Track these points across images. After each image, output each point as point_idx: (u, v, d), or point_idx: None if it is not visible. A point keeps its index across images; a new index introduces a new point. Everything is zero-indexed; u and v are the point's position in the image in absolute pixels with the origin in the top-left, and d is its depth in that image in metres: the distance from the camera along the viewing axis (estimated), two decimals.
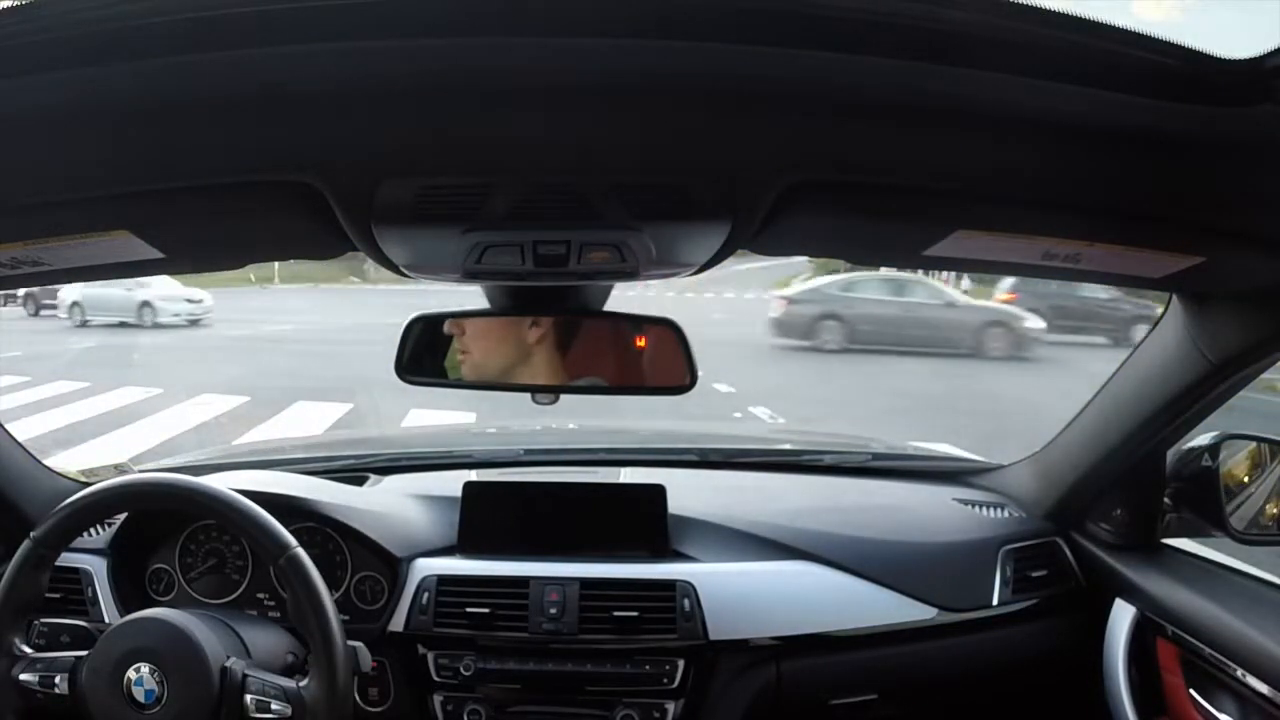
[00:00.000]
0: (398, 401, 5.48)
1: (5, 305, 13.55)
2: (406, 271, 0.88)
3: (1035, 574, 1.36)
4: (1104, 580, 1.31)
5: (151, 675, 0.97)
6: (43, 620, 1.09)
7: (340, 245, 0.77)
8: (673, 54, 0.50)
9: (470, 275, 0.87)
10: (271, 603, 1.32)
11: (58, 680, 1.00)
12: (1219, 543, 1.24)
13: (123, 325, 11.78)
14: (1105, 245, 0.73)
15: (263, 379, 7.67)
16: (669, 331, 1.10)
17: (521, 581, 1.28)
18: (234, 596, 1.33)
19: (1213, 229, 0.70)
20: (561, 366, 1.13)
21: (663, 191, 0.68)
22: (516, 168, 0.64)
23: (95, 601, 1.27)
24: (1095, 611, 1.31)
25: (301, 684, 1.00)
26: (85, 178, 0.62)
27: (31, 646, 1.04)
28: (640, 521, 1.38)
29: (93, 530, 1.31)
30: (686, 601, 1.26)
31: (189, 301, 12.38)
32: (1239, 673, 1.05)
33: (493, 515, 1.38)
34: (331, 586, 1.10)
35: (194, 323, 12.28)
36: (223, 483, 1.11)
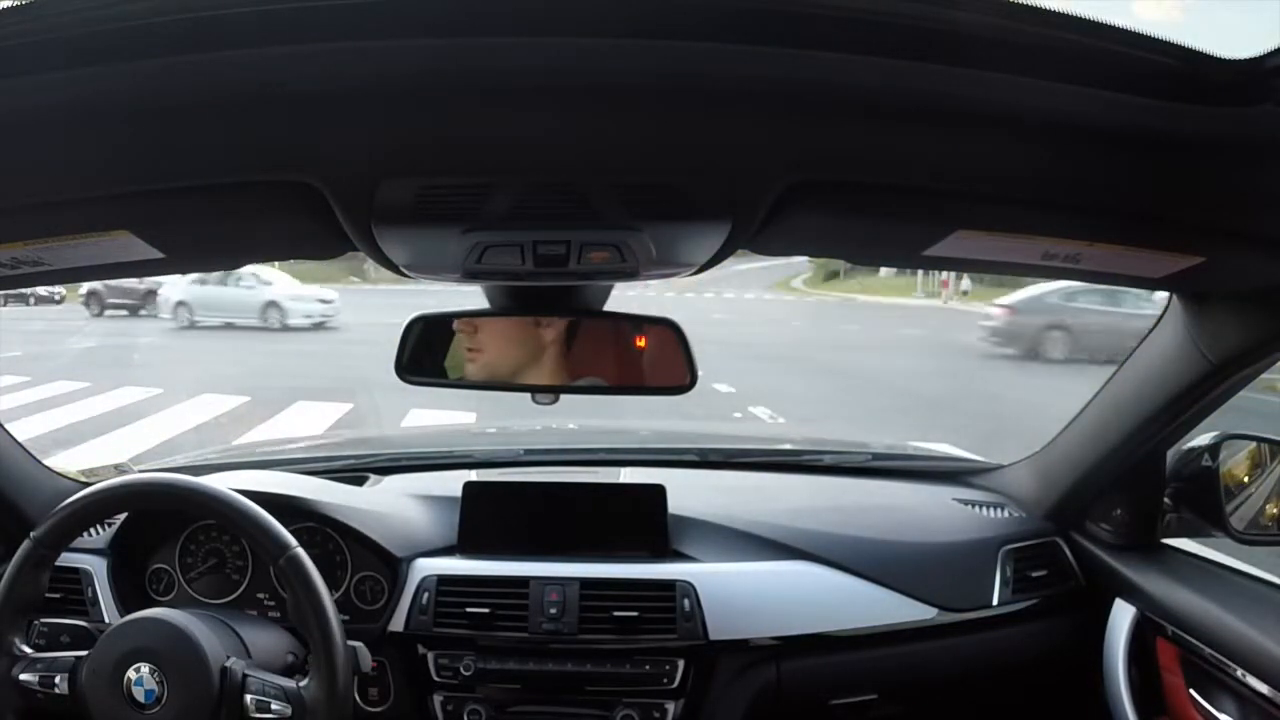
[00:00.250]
0: (398, 401, 5.47)
1: (5, 305, 13.42)
2: (406, 271, 0.88)
3: (1035, 574, 1.36)
4: (1104, 580, 1.32)
5: (151, 675, 0.97)
6: (43, 620, 1.09)
7: (340, 245, 0.77)
8: (673, 54, 0.50)
9: (470, 275, 0.87)
10: (271, 603, 1.32)
11: (58, 680, 1.00)
12: (1219, 543, 1.24)
13: (230, 327, 11.21)
14: (1105, 245, 0.73)
15: (262, 379, 7.67)
16: (669, 331, 1.10)
17: (521, 581, 1.28)
18: (234, 596, 1.33)
19: (1213, 229, 0.70)
20: (562, 366, 1.13)
21: (662, 191, 0.68)
22: (516, 168, 0.64)
23: (95, 601, 1.27)
24: (1095, 611, 1.31)
25: (301, 684, 1.00)
26: (85, 178, 0.62)
27: (31, 646, 1.04)
28: (640, 521, 1.38)
29: (93, 530, 1.31)
30: (686, 601, 1.26)
31: (321, 302, 11.81)
32: (1239, 673, 1.05)
33: (493, 515, 1.38)
34: (331, 586, 1.10)
35: (318, 326, 11.63)
36: (223, 483, 1.11)
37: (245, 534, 1.05)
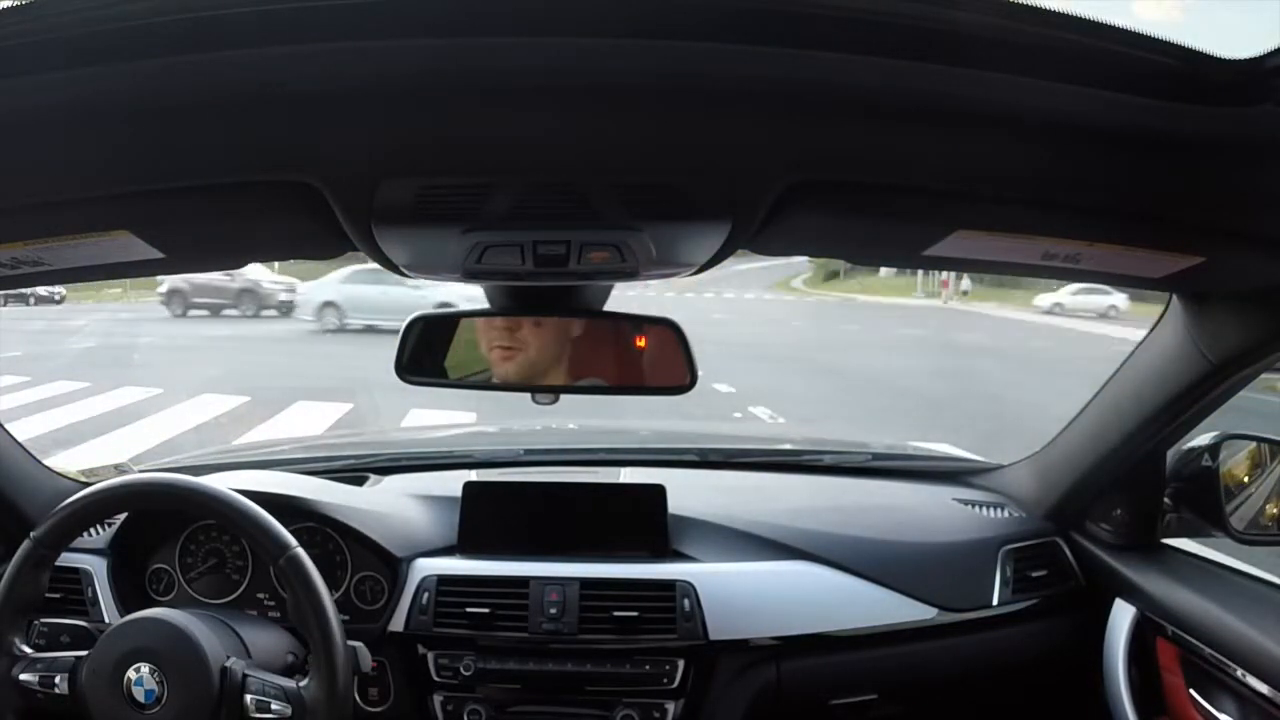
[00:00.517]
0: (398, 401, 5.47)
1: (5, 305, 13.37)
2: (406, 271, 0.88)
3: (1035, 574, 1.36)
4: (1104, 580, 1.32)
5: (151, 675, 0.97)
6: (43, 620, 1.09)
7: (340, 245, 0.77)
8: (673, 54, 0.50)
9: (470, 275, 0.87)
10: (271, 603, 1.32)
11: (58, 680, 1.00)
12: (1219, 543, 1.24)
13: (370, 330, 9.94)
14: (1105, 245, 0.73)
15: (262, 379, 7.67)
16: (669, 332, 1.10)
17: (521, 581, 1.28)
18: (234, 596, 1.33)
19: (1213, 229, 0.70)
20: (561, 366, 1.13)
21: (662, 191, 0.68)
22: (516, 168, 0.64)
23: (95, 601, 1.27)
24: (1095, 611, 1.31)
25: (301, 684, 1.00)
26: (85, 178, 0.62)
27: (31, 646, 1.04)
28: (640, 521, 1.38)
29: (93, 530, 1.31)
30: (686, 601, 1.26)
31: None
32: (1239, 673, 1.05)
33: (493, 515, 1.38)
34: (331, 586, 1.10)
35: None
36: (223, 483, 1.11)
37: (245, 534, 1.05)
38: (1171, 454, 1.24)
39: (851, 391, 7.81)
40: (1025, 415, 5.50)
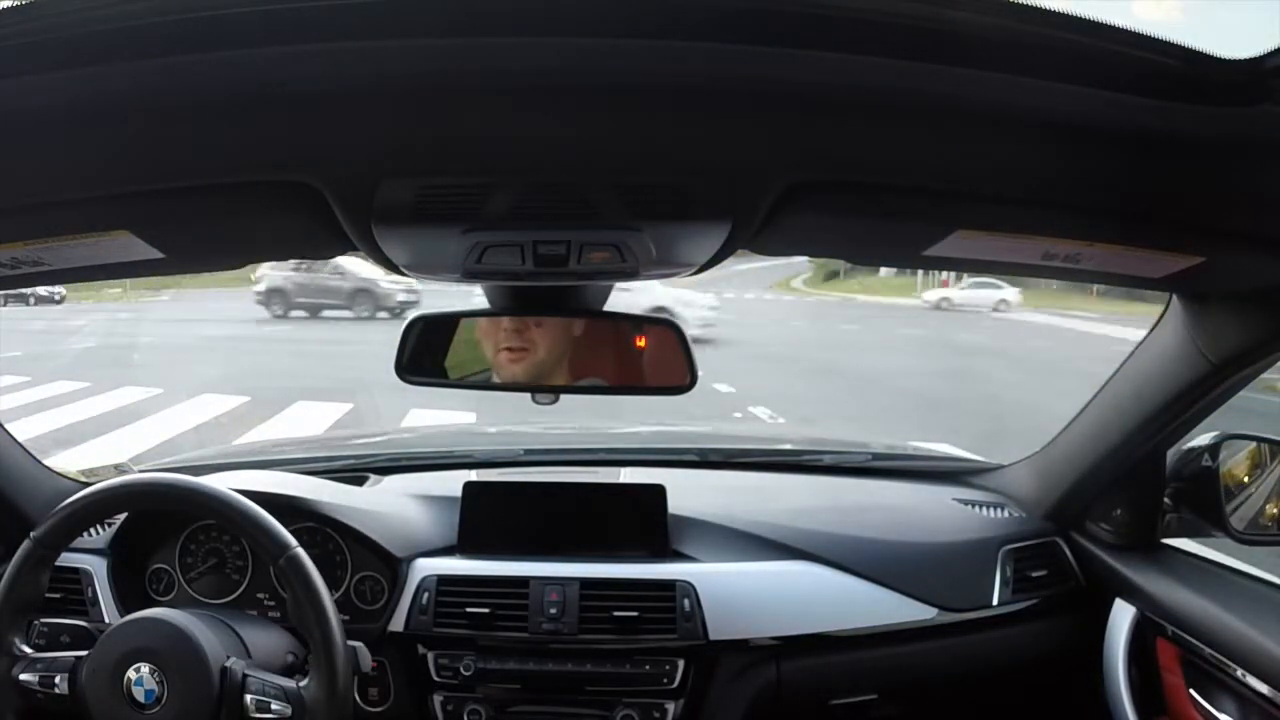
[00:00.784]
0: (398, 401, 5.47)
1: (5, 305, 13.33)
2: (406, 271, 0.88)
3: (1035, 574, 1.36)
4: (1104, 580, 1.31)
5: (151, 675, 0.97)
6: (43, 620, 1.09)
7: (340, 245, 0.77)
8: (672, 54, 0.50)
9: (470, 275, 0.87)
10: (271, 603, 1.32)
11: (58, 680, 1.00)
12: (1219, 543, 1.24)
13: None
14: (1105, 245, 0.73)
15: (262, 379, 7.67)
16: (669, 331, 1.10)
17: (521, 581, 1.28)
18: (234, 596, 1.33)
19: (1213, 229, 0.70)
20: (561, 366, 1.13)
21: (662, 191, 0.68)
22: (516, 168, 0.64)
23: (95, 601, 1.27)
24: (1095, 611, 1.31)
25: (301, 684, 1.00)
26: (85, 178, 0.62)
27: (31, 646, 1.04)
28: (640, 521, 1.38)
29: (93, 530, 1.31)
30: (686, 601, 1.26)
31: (711, 309, 10.55)
32: (1239, 673, 1.05)
33: (493, 515, 1.38)
34: (331, 586, 1.10)
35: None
36: (223, 483, 1.11)
37: (245, 534, 1.05)
38: (1171, 454, 1.24)
39: (852, 391, 7.81)
40: (1024, 415, 5.50)
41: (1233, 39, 0.53)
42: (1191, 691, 1.15)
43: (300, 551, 1.02)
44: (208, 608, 1.22)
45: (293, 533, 1.04)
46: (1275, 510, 1.20)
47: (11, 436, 1.35)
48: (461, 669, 1.26)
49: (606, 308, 1.13)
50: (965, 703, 1.39)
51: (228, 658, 0.99)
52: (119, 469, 1.56)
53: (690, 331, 1.13)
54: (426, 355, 1.15)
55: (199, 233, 0.75)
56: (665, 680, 1.25)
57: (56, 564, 1.06)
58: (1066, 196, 0.66)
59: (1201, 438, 1.22)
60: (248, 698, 0.98)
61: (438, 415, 5.31)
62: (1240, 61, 0.53)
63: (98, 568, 1.29)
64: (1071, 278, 0.84)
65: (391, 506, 1.41)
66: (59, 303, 14.36)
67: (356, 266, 11.52)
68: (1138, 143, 0.57)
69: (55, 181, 0.62)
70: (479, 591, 1.28)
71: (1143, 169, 0.61)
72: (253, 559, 1.33)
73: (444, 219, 0.72)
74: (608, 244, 0.78)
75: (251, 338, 11.24)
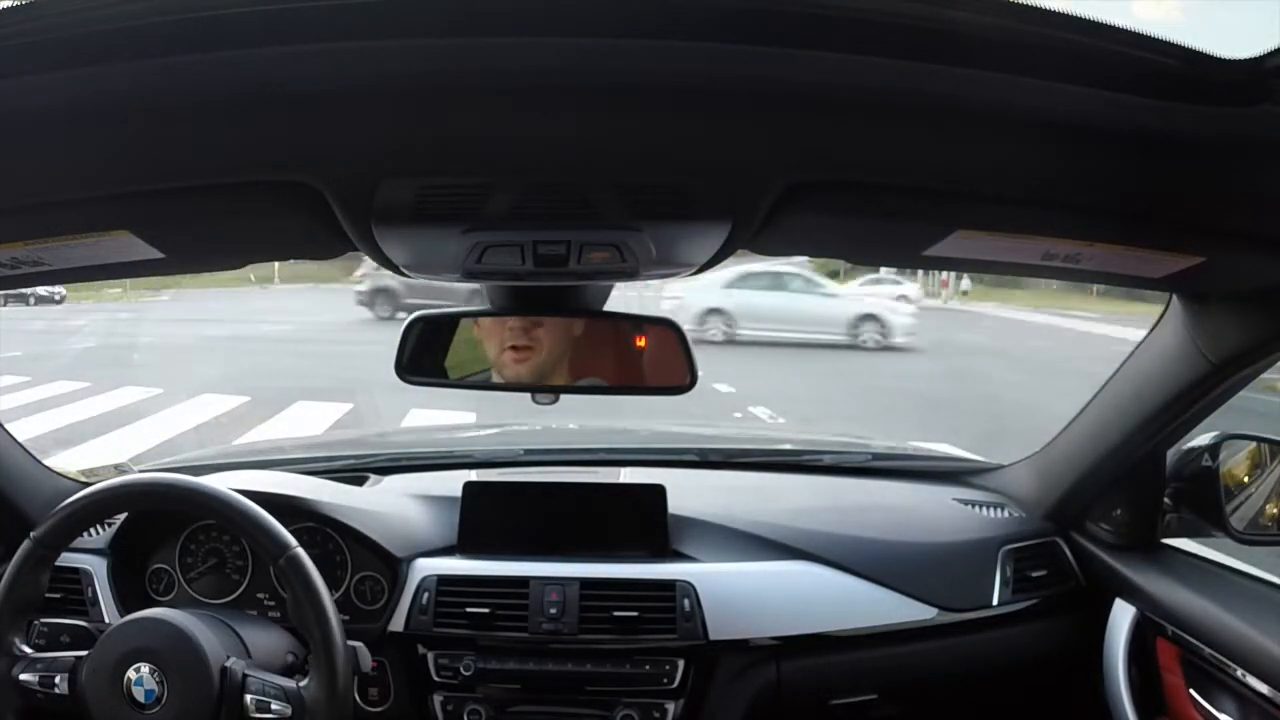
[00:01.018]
0: (398, 401, 5.47)
1: (5, 305, 13.30)
2: (406, 271, 0.88)
3: (1035, 574, 1.36)
4: (1104, 580, 1.31)
5: (151, 675, 0.97)
6: (43, 620, 1.09)
7: (340, 245, 0.77)
8: (672, 54, 0.50)
9: (470, 275, 0.88)
10: (271, 603, 1.32)
11: (58, 680, 1.00)
12: (1219, 543, 1.24)
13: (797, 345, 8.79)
14: (1105, 245, 0.73)
15: (262, 379, 7.67)
16: (669, 331, 1.10)
17: (521, 581, 1.28)
18: (234, 596, 1.33)
19: (1213, 229, 0.70)
20: (562, 366, 1.13)
21: (662, 191, 0.68)
22: (516, 168, 0.64)
23: (95, 601, 1.27)
24: (1095, 611, 1.31)
25: (301, 684, 1.00)
26: (85, 178, 0.62)
27: (31, 646, 1.04)
28: (640, 521, 1.38)
29: (93, 530, 1.31)
30: (686, 601, 1.26)
31: (911, 317, 9.66)
32: (1239, 673, 1.05)
33: (493, 515, 1.38)
34: (331, 586, 1.10)
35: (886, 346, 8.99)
36: (223, 483, 1.11)
37: (245, 534, 1.05)
38: (1171, 454, 1.24)
39: (851, 391, 7.80)
40: (1022, 414, 5.50)
41: (1233, 39, 0.53)
42: (1191, 691, 1.15)
43: (300, 551, 1.02)
44: (208, 608, 1.22)
45: (293, 533, 1.04)
46: (1275, 510, 1.20)
47: (11, 436, 1.35)
48: (461, 669, 1.26)
49: (615, 308, 1.13)
50: (965, 703, 1.39)
51: (228, 658, 0.99)
52: (119, 469, 1.55)
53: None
54: (426, 355, 1.15)
55: (199, 233, 0.75)
56: (665, 680, 1.25)
57: (56, 564, 1.06)
58: (1066, 196, 0.66)
59: (1201, 438, 1.22)
60: (248, 698, 0.98)
61: (438, 415, 5.31)
62: (1240, 61, 0.53)
63: (98, 568, 1.29)
64: (1071, 278, 0.84)
65: (391, 506, 1.41)
66: (59, 303, 14.33)
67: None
68: (1138, 143, 0.57)
69: (55, 181, 0.62)
70: (479, 591, 1.28)
71: (1143, 169, 0.61)
72: (253, 559, 1.33)
73: (444, 219, 0.72)
74: (608, 244, 0.78)
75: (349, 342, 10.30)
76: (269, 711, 0.97)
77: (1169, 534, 1.29)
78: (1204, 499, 1.21)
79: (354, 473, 1.54)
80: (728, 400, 6.20)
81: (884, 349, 8.99)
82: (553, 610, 1.26)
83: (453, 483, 1.42)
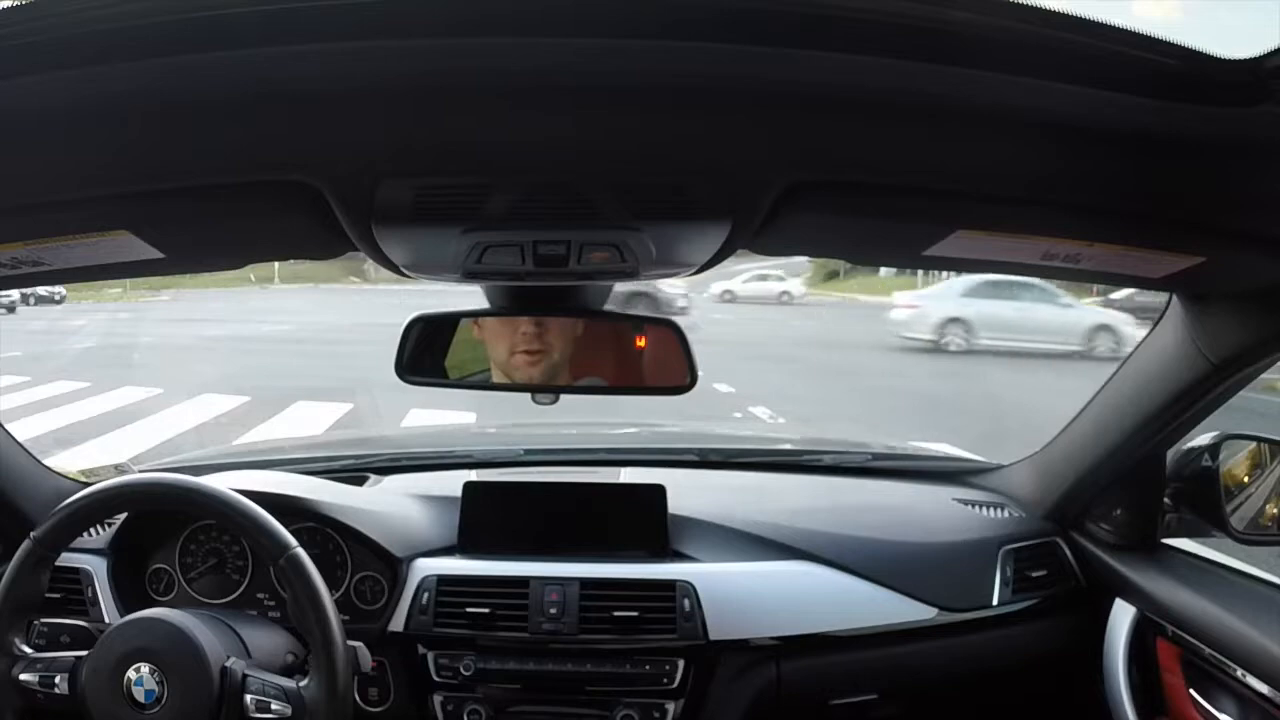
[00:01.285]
0: (398, 401, 5.47)
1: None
2: (406, 271, 0.88)
3: (1035, 574, 1.36)
4: (1104, 580, 1.31)
5: (151, 675, 0.97)
6: (43, 620, 1.09)
7: (340, 245, 0.77)
8: (672, 54, 0.50)
9: (470, 275, 0.88)
10: (271, 603, 1.32)
11: (58, 680, 1.00)
12: (1219, 543, 1.24)
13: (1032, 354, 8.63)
14: (1105, 245, 0.73)
15: (262, 379, 7.67)
16: (669, 331, 1.10)
17: (521, 581, 1.28)
18: (234, 596, 1.33)
19: (1213, 229, 0.70)
20: (562, 367, 1.13)
21: (662, 191, 0.68)
22: (516, 168, 0.64)
23: (95, 601, 1.27)
24: (1095, 611, 1.31)
25: (301, 684, 1.00)
26: (85, 178, 0.62)
27: (31, 646, 1.04)
28: (640, 521, 1.38)
29: (93, 530, 1.31)
30: (686, 601, 1.26)
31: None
32: (1239, 673, 1.05)
33: (493, 515, 1.38)
34: (331, 586, 1.10)
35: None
36: (223, 483, 1.11)
37: (245, 534, 1.05)
38: (1171, 454, 1.24)
39: (851, 391, 7.80)
40: (1020, 414, 5.50)
41: (1233, 39, 0.53)
42: (1191, 691, 1.15)
43: (300, 551, 1.02)
44: (208, 608, 1.22)
45: (293, 533, 1.04)
46: (1275, 510, 1.20)
47: (11, 436, 1.35)
48: (461, 669, 1.26)
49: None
50: (965, 703, 1.39)
51: (228, 658, 0.99)
52: (119, 469, 1.56)
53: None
54: (426, 355, 1.16)
55: (199, 233, 0.75)
56: (665, 680, 1.25)
57: (56, 564, 1.06)
58: (1066, 196, 0.66)
59: (1201, 438, 1.22)
60: (248, 698, 0.98)
61: (438, 415, 5.31)
62: (1240, 61, 0.53)
63: (98, 568, 1.29)
64: (1071, 278, 0.84)
65: (391, 506, 1.41)
66: (59, 303, 14.32)
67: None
68: (1138, 143, 0.57)
69: (55, 181, 0.62)
70: (479, 591, 1.28)
71: (1143, 169, 0.61)
72: (253, 559, 1.33)
73: (444, 219, 0.72)
74: (608, 244, 0.78)
75: None
76: (269, 711, 0.97)
77: (1169, 534, 1.29)
78: (1204, 499, 1.21)
79: (354, 473, 1.54)
80: (728, 400, 6.20)
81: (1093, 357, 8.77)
82: (553, 610, 1.26)
83: (453, 483, 1.42)
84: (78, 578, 1.28)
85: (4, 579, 1.03)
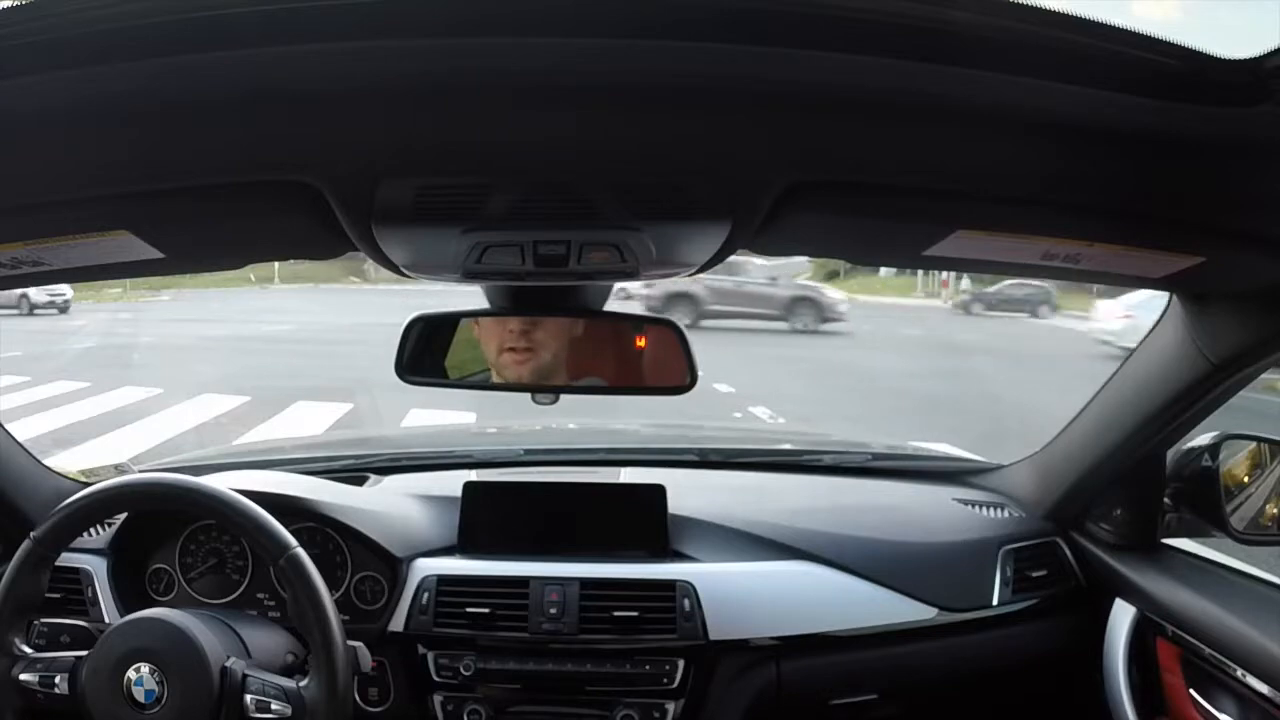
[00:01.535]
0: (398, 401, 5.47)
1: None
2: (406, 271, 0.88)
3: (1035, 574, 1.36)
4: (1104, 580, 1.32)
5: (151, 675, 0.97)
6: (43, 620, 1.09)
7: (340, 245, 0.77)
8: (672, 54, 0.50)
9: (470, 275, 0.88)
10: (271, 603, 1.32)
11: (58, 680, 1.00)
12: (1219, 543, 1.24)
13: None
14: (1105, 245, 0.73)
15: (262, 379, 7.67)
16: (669, 331, 1.10)
17: (521, 581, 1.28)
18: (234, 596, 1.33)
19: (1213, 229, 0.70)
20: (561, 366, 1.13)
21: (662, 191, 0.68)
22: (516, 168, 0.64)
23: (95, 601, 1.27)
24: (1095, 611, 1.31)
25: (301, 684, 1.00)
26: (85, 178, 0.62)
27: (31, 646, 1.04)
28: (640, 521, 1.38)
29: (93, 530, 1.31)
30: (686, 601, 1.26)
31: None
32: (1239, 673, 1.05)
33: (493, 515, 1.38)
34: (331, 586, 1.10)
35: None
36: (223, 483, 1.11)
37: (245, 534, 1.05)
38: (1171, 454, 1.24)
39: (851, 391, 7.80)
40: (1019, 413, 5.50)
41: (1233, 39, 0.53)
42: (1191, 691, 1.15)
43: (300, 551, 1.02)
44: (208, 608, 1.22)
45: (293, 533, 1.04)
46: (1275, 510, 1.20)
47: (11, 436, 1.35)
48: (461, 669, 1.26)
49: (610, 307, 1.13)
50: (965, 703, 1.39)
51: (228, 658, 0.99)
52: (119, 469, 1.55)
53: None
54: (426, 355, 1.16)
55: (199, 233, 0.75)
56: (665, 680, 1.25)
57: (56, 564, 1.06)
58: (1067, 196, 0.66)
59: (1201, 438, 1.22)
60: (248, 698, 0.98)
61: (438, 415, 5.31)
62: (1240, 61, 0.53)
63: (98, 568, 1.29)
64: (1071, 278, 0.84)
65: (391, 506, 1.41)
66: (64, 311, 13.84)
67: (789, 267, 9.90)
68: (1138, 142, 0.57)
69: (55, 181, 0.62)
70: (479, 591, 1.28)
71: (1143, 169, 0.61)
72: (253, 559, 1.33)
73: (444, 219, 0.72)
74: (608, 244, 0.78)
75: None
76: (269, 711, 0.97)
77: (1169, 534, 1.29)
78: (1204, 499, 1.21)
79: (354, 473, 1.54)
80: (728, 400, 6.20)
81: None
82: (553, 610, 1.26)
83: (453, 483, 1.42)
84: (78, 578, 1.28)
85: (4, 579, 1.03)
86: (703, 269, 0.88)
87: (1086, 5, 0.51)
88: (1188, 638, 1.14)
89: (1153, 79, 0.53)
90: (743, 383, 6.90)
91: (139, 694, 0.97)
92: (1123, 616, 1.27)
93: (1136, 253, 0.74)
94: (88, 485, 1.10)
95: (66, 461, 1.69)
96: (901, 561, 1.33)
